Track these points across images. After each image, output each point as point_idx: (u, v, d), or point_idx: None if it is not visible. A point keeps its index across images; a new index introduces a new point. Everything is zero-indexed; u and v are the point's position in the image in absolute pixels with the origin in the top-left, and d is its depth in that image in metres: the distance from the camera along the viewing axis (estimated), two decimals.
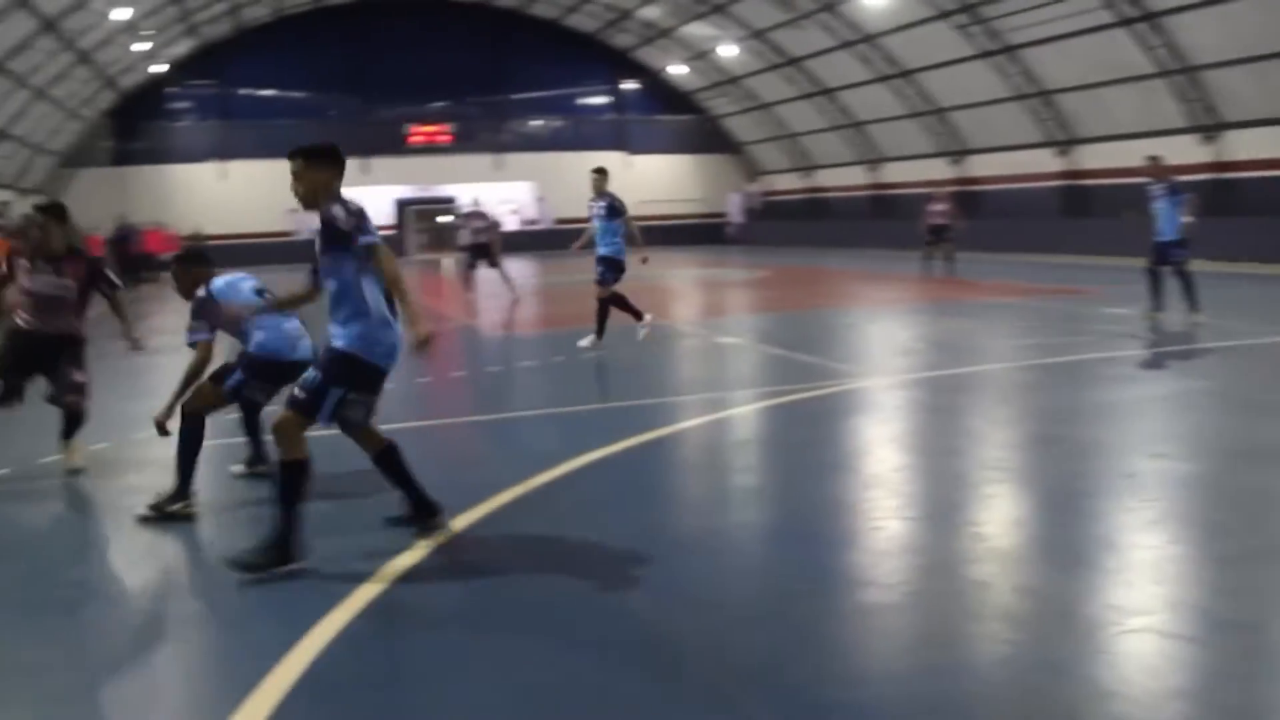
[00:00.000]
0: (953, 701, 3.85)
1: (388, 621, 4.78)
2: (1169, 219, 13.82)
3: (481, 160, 45.56)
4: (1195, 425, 8.47)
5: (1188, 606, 4.65)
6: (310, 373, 5.55)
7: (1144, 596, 4.74)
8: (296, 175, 5.62)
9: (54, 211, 7.82)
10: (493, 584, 5.25)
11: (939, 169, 36.44)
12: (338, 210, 5.38)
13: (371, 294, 5.50)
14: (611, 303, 13.31)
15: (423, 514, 5.91)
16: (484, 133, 46.44)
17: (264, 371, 6.82)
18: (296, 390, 5.49)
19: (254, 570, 5.30)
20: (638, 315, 13.45)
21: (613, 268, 13.35)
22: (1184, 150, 27.06)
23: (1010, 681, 4.05)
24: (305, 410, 5.43)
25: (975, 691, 3.96)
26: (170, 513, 6.49)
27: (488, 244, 21.96)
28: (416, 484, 5.90)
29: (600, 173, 13.70)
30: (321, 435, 5.80)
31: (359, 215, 5.40)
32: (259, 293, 7.01)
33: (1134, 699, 3.79)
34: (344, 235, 5.34)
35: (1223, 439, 7.91)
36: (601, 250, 13.46)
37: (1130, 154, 28.96)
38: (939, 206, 23.93)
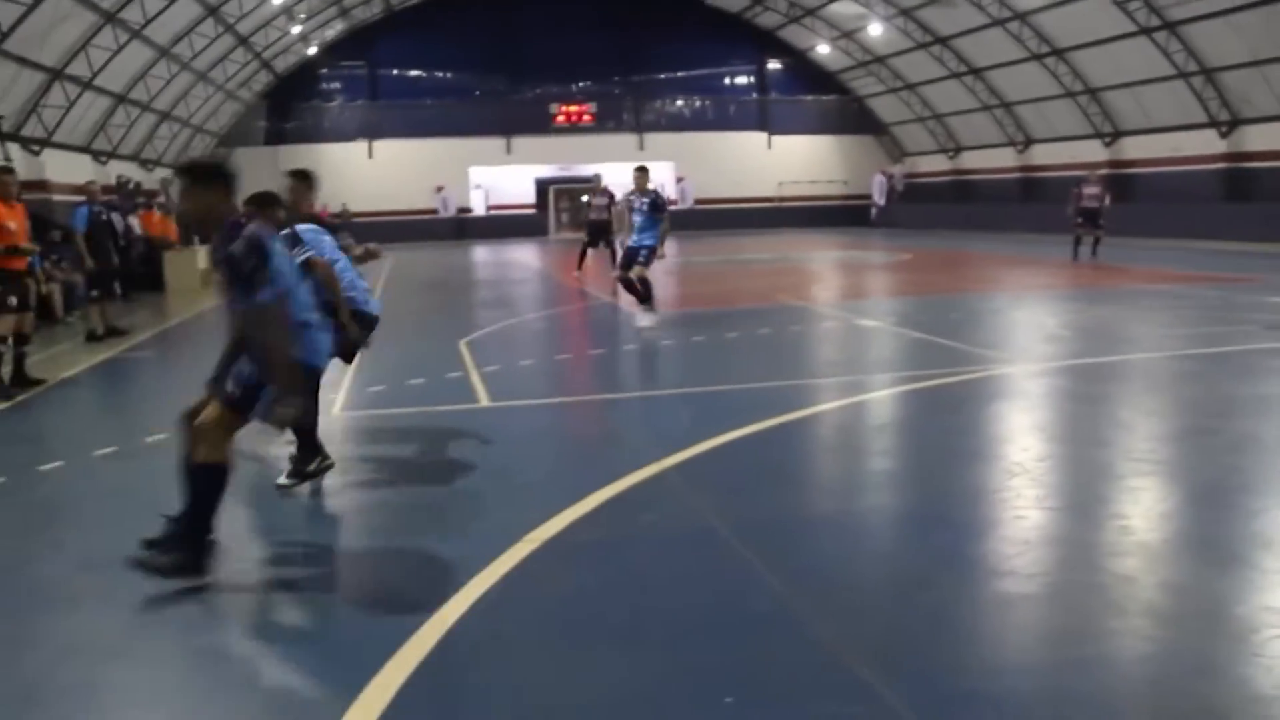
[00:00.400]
0: (1091, 697, 3.74)
1: (526, 591, 4.85)
2: None
3: (624, 140, 45.80)
4: None
5: None
6: (247, 367, 5.10)
7: None
8: (183, 194, 5.22)
9: (302, 177, 7.54)
10: (626, 561, 5.29)
11: (1091, 150, 35.35)
12: (239, 249, 4.94)
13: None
14: (643, 283, 14.03)
15: (173, 545, 5.02)
16: (626, 113, 46.68)
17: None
18: (230, 385, 5.07)
19: (161, 574, 4.90)
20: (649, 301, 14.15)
21: (653, 252, 14.21)
22: None
23: (1154, 680, 3.91)
24: (238, 406, 5.06)
25: (1116, 688, 3.84)
26: (310, 473, 6.69)
27: (606, 221, 21.71)
28: (202, 518, 5.05)
29: (642, 171, 14.49)
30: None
31: (259, 251, 4.95)
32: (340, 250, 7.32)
33: None
34: (245, 278, 4.96)
35: None
36: (645, 240, 14.15)
37: None
38: (1092, 189, 23.15)
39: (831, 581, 4.90)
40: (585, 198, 24.19)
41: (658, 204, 14.25)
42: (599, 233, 21.88)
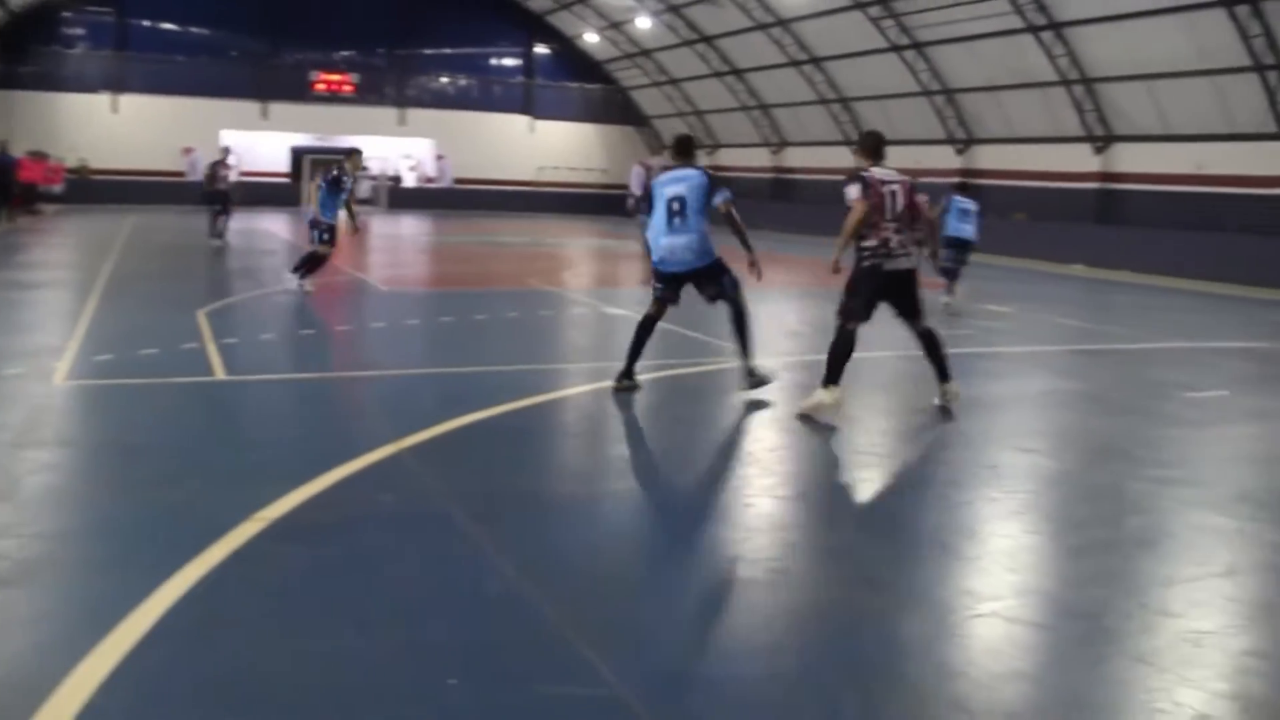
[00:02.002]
0: (806, 677, 3.93)
1: (251, 571, 4.70)
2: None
3: (385, 113, 44.79)
4: (1061, 423, 8.74)
5: (1036, 593, 4.81)
6: None
7: (997, 583, 4.88)
8: None
9: None
10: (357, 541, 5.19)
11: (840, 156, 36.89)
12: None
13: None
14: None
15: None
16: (389, 86, 45.56)
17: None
18: None
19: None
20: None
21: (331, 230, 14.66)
22: (1078, 159, 27.87)
23: (862, 660, 4.14)
24: None
25: (824, 667, 4.05)
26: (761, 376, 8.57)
27: (226, 192, 22.60)
28: None
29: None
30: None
31: None
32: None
33: (977, 680, 3.91)
34: None
35: (1085, 437, 8.17)
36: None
37: (1025, 157, 29.83)
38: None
39: (563, 565, 4.96)
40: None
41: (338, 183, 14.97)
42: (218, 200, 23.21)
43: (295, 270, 15.16)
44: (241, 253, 22.89)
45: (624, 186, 47.15)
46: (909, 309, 8.35)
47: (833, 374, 8.02)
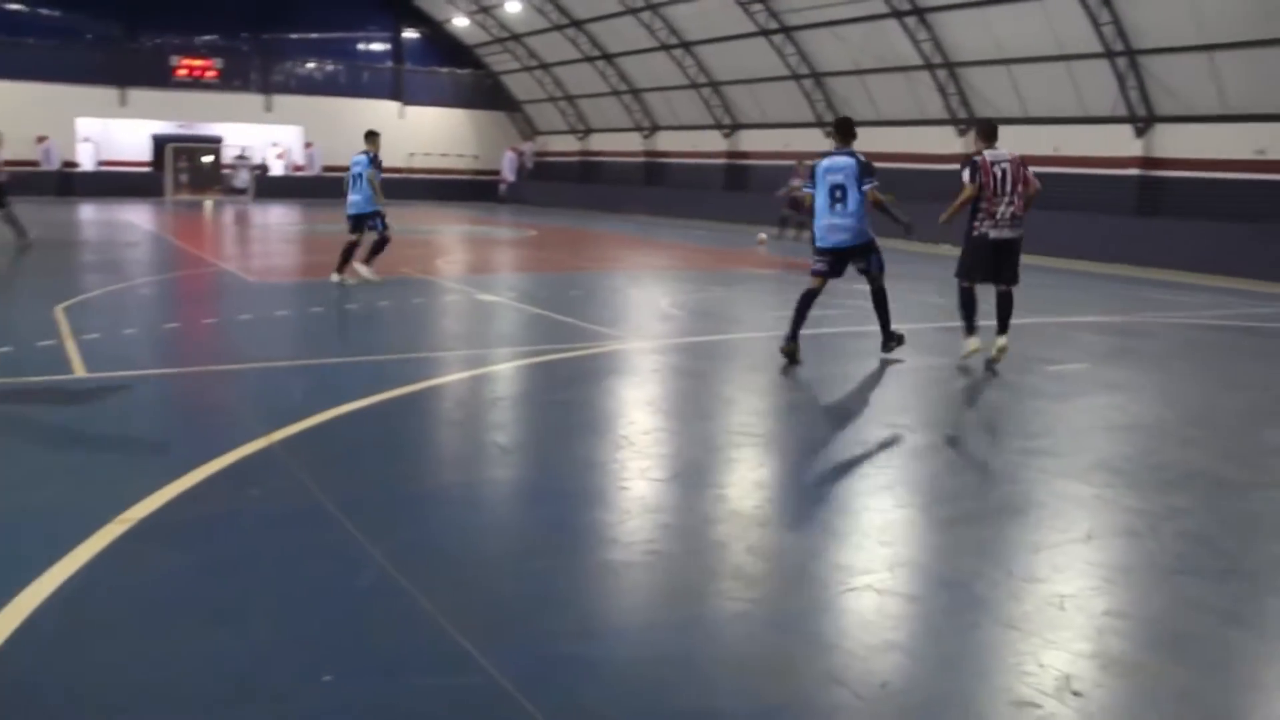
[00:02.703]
0: (685, 655, 3.95)
1: (117, 574, 4.55)
2: None
3: (250, 100, 43.69)
4: (929, 398, 8.94)
5: (907, 566, 4.91)
6: None
7: (869, 557, 4.97)
8: None
9: None
10: (228, 538, 5.06)
11: (711, 141, 37.20)
12: None
13: None
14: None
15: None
16: (254, 71, 44.40)
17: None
18: None
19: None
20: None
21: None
22: (943, 141, 28.52)
23: (740, 637, 4.18)
24: None
25: (705, 647, 4.07)
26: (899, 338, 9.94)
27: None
28: None
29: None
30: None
31: None
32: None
33: (851, 652, 3.98)
34: None
35: (951, 412, 8.39)
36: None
37: (892, 140, 30.42)
38: (797, 180, 24.90)
39: (439, 554, 4.91)
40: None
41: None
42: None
43: (366, 262, 14.98)
44: (103, 246, 22.12)
45: (495, 172, 46.96)
46: (1008, 273, 9.77)
47: (969, 325, 9.74)
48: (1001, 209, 9.58)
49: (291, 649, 3.91)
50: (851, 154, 9.94)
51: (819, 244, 10.00)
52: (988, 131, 9.99)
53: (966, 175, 9.67)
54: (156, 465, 6.16)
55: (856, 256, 9.98)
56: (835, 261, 9.94)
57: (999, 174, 9.56)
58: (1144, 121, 23.66)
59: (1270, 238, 20.01)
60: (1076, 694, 3.64)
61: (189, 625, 4.10)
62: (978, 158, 9.65)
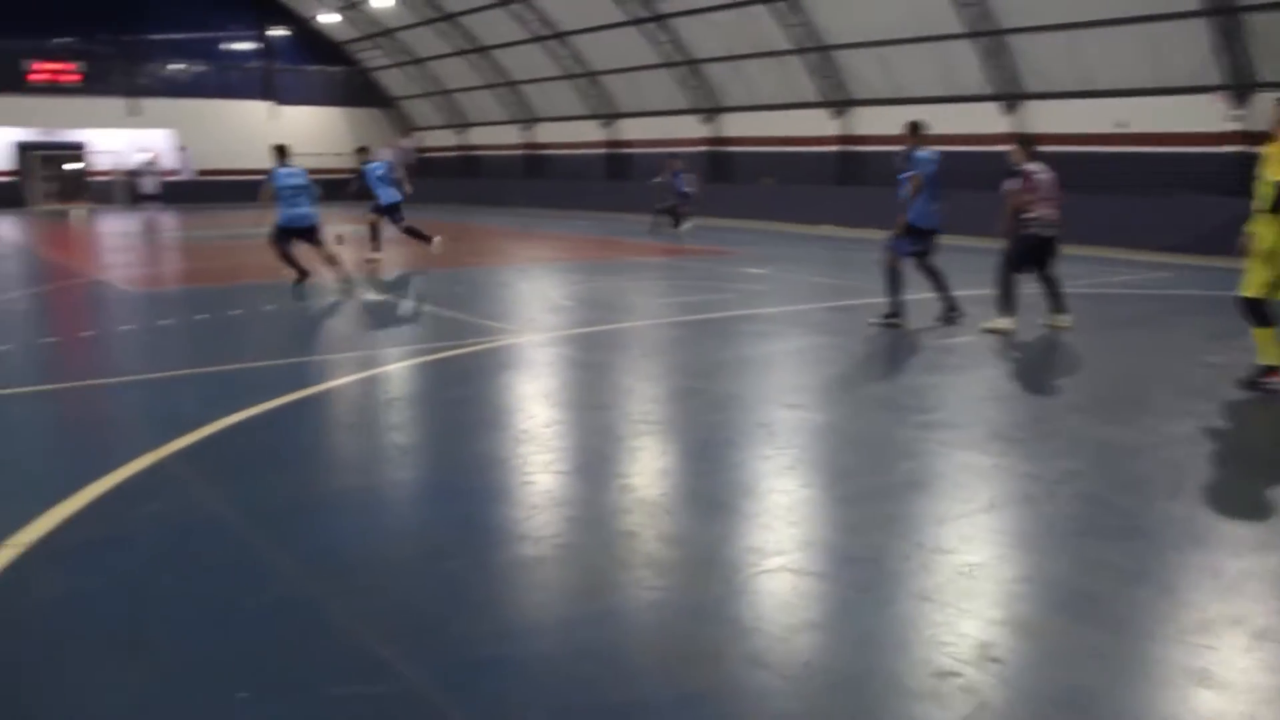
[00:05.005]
0: (604, 649, 3.91)
1: (11, 598, 4.35)
2: None
3: (114, 104, 42.23)
4: (825, 377, 9.04)
5: (818, 545, 4.95)
6: None
7: (780, 538, 4.99)
8: None
9: None
10: (125, 558, 4.87)
11: (590, 131, 37.15)
12: None
13: None
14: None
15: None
16: (117, 74, 42.90)
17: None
18: None
19: None
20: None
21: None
22: (817, 124, 28.91)
23: (658, 626, 4.15)
24: None
25: (624, 638, 4.04)
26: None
27: None
28: None
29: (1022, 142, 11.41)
30: None
31: None
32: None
33: (771, 634, 3.98)
34: None
35: (848, 390, 8.49)
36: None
37: (768, 124, 30.73)
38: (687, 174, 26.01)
39: (346, 561, 4.79)
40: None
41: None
42: None
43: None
44: None
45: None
46: (1049, 262, 10.94)
47: (1010, 307, 10.66)
48: (1047, 212, 10.69)
49: (200, 670, 3.77)
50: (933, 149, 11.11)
51: (915, 223, 10.92)
52: (1030, 146, 11.09)
53: (1015, 184, 10.79)
54: (44, 486, 5.90)
55: (932, 238, 11.23)
56: (928, 240, 11.08)
57: (1042, 183, 10.75)
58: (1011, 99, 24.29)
59: (1136, 208, 20.73)
60: (995, 660, 3.70)
61: (89, 654, 3.93)
62: (1023, 169, 10.76)
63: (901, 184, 10.98)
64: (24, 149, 41.57)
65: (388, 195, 18.06)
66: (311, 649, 3.91)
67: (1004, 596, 4.30)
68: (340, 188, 24.37)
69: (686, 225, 25.34)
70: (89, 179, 42.45)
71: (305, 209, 14.80)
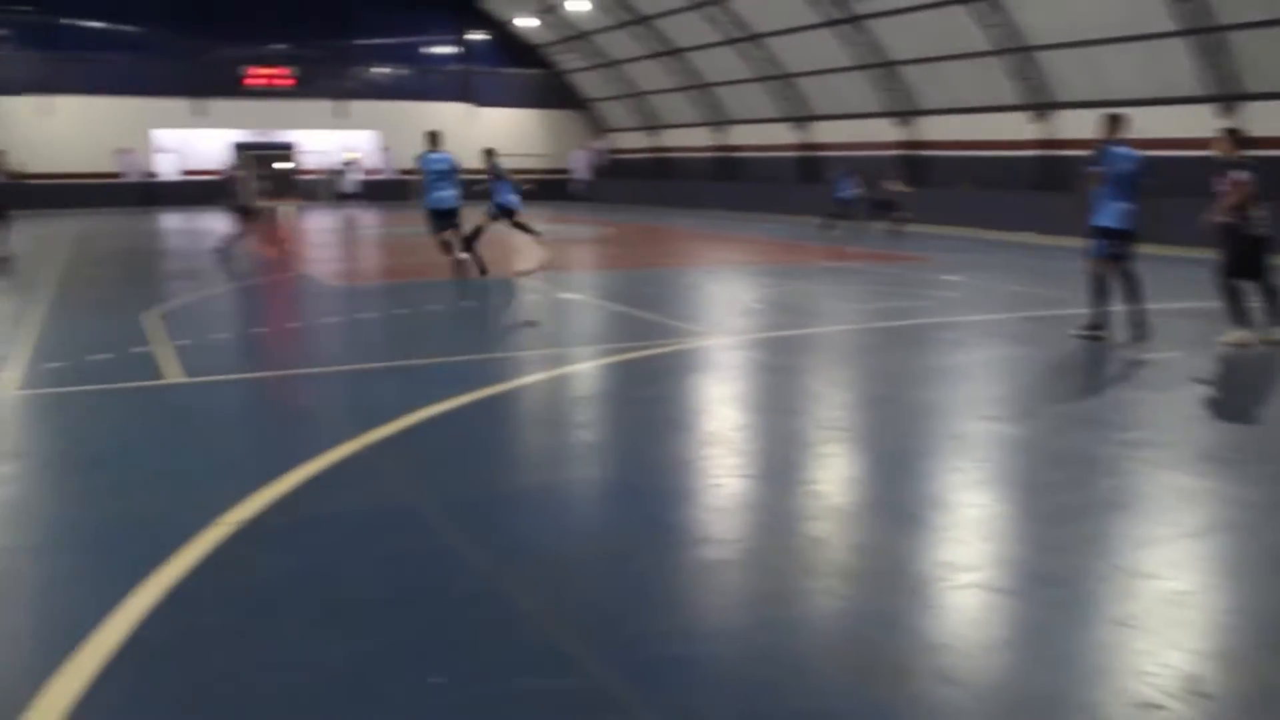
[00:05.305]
0: (789, 655, 3.89)
1: (221, 577, 4.60)
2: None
3: (323, 106, 44.23)
4: (1021, 390, 8.77)
5: (1012, 562, 4.81)
6: None
7: (972, 553, 4.87)
8: None
9: None
10: (327, 542, 5.10)
11: (784, 133, 36.94)
12: None
13: None
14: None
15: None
16: (326, 78, 44.90)
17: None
18: None
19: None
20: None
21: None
22: (1016, 127, 28.07)
23: (844, 636, 4.11)
24: None
25: (809, 646, 4.02)
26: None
27: None
28: None
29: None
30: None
31: None
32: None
33: (961, 651, 3.89)
34: None
35: (1046, 403, 8.21)
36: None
37: (966, 128, 29.99)
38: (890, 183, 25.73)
39: (536, 556, 4.89)
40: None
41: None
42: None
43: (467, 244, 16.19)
44: (186, 253, 22.55)
45: (567, 171, 47.07)
46: (1267, 268, 10.26)
47: (1243, 317, 10.15)
48: (1261, 211, 10.15)
49: (396, 653, 3.91)
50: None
51: (1113, 225, 10.36)
52: (1241, 139, 10.42)
53: (1246, 175, 10.08)
54: (252, 469, 6.23)
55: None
56: (1127, 243, 10.48)
57: (1256, 180, 10.16)
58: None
59: None
60: (1205, 696, 3.52)
61: (297, 628, 4.13)
62: (1248, 162, 10.14)
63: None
64: (238, 149, 43.83)
65: (503, 198, 17.34)
66: (502, 640, 4.01)
67: (1212, 627, 4.10)
68: (539, 188, 24.83)
69: (888, 227, 25.28)
70: (297, 177, 44.49)
71: (447, 193, 15.64)
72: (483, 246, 15.94)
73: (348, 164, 43.91)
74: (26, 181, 38.22)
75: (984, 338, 11.07)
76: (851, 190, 25.77)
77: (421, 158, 15.80)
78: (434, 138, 15.95)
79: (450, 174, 15.66)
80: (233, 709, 3.53)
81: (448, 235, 15.84)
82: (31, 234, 26.94)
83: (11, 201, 19.66)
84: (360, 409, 7.90)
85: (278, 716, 3.49)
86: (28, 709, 3.45)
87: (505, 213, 17.09)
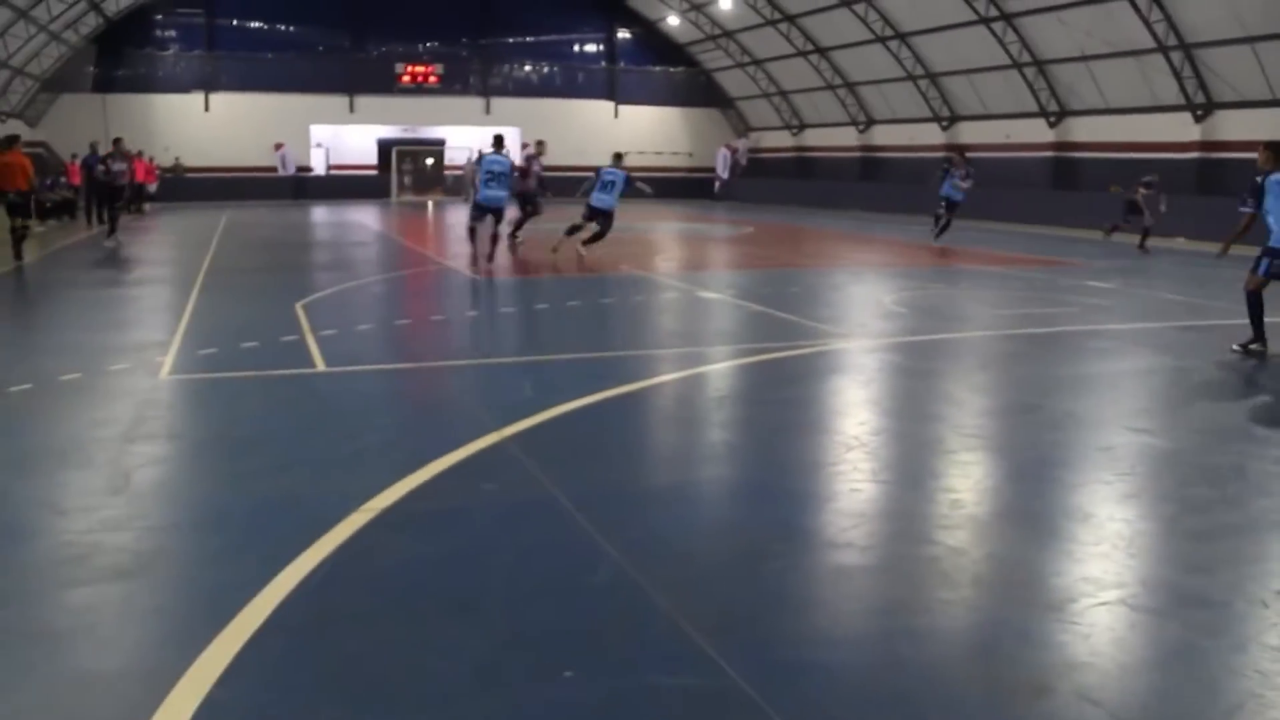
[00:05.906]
0: (924, 666, 3.83)
1: (361, 563, 4.73)
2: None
3: (470, 103, 45.14)
4: (1172, 401, 8.47)
5: (1160, 581, 4.64)
6: None
7: (1118, 569, 4.72)
8: None
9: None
10: (464, 531, 5.20)
11: (930, 133, 36.32)
12: None
13: None
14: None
15: None
16: (473, 75, 45.85)
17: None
18: None
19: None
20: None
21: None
22: (1176, 128, 27.08)
23: (981, 649, 4.03)
24: None
25: (945, 657, 3.94)
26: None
27: (120, 187, 23.62)
28: None
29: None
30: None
31: None
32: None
33: (1105, 670, 3.78)
34: None
35: (1198, 417, 7.91)
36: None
37: (1120, 129, 29.05)
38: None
39: (670, 553, 4.91)
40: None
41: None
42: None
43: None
44: (332, 245, 23.22)
45: (710, 169, 47.07)
46: None
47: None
48: None
49: (530, 644, 3.97)
50: None
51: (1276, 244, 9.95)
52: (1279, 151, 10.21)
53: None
54: (396, 457, 6.39)
55: None
56: None
57: None
58: None
59: None
60: None
61: (431, 615, 4.22)
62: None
63: (1243, 202, 10.25)
64: (385, 145, 44.99)
65: (601, 200, 18.48)
66: (635, 636, 4.04)
67: None
68: (677, 186, 24.84)
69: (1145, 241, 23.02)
70: (442, 173, 45.46)
71: (499, 192, 17.00)
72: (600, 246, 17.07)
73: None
74: (184, 176, 40.00)
75: (1133, 347, 10.72)
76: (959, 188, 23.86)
77: (481, 158, 17.45)
78: (498, 141, 17.57)
79: (503, 176, 16.93)
80: (366, 691, 3.62)
81: (476, 226, 17.43)
82: (189, 226, 28.04)
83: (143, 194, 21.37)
84: (500, 401, 8.02)
85: (410, 701, 3.57)
86: (175, 682, 3.60)
87: (597, 214, 18.18)
